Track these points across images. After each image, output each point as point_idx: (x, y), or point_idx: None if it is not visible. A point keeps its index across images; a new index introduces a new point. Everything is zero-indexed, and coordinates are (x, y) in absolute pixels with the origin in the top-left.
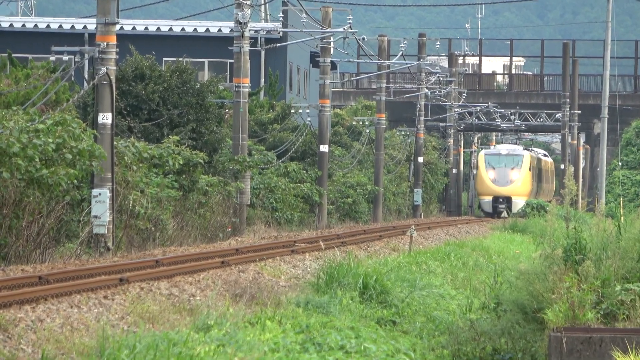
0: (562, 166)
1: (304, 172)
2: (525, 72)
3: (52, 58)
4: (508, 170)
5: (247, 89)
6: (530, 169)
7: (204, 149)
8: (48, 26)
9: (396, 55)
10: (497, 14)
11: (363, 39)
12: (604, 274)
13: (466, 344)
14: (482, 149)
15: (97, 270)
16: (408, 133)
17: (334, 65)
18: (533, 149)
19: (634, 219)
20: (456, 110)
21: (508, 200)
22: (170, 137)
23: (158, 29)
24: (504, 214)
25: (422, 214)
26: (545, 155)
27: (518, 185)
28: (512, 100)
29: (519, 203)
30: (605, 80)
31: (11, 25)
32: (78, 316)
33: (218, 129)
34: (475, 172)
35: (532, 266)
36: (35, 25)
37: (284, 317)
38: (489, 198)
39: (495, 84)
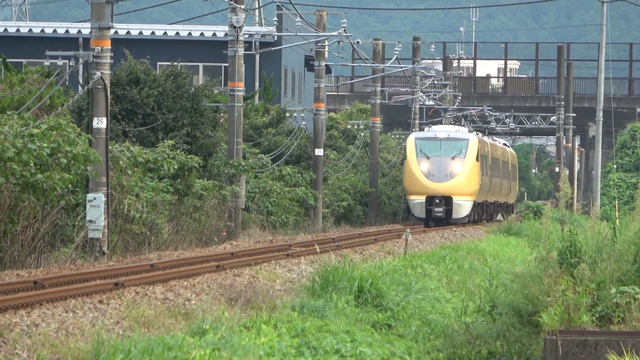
0: (557, 169)
1: (299, 175)
2: (520, 75)
3: (47, 62)
4: (447, 160)
5: (241, 93)
6: (478, 159)
7: (199, 153)
8: (42, 31)
9: (391, 59)
10: (491, 17)
11: (358, 42)
12: (599, 276)
13: (461, 348)
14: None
15: (92, 275)
16: (403, 136)
17: (328, 69)
18: (495, 138)
19: (629, 222)
20: (451, 113)
21: (447, 201)
22: (165, 141)
23: (152, 33)
24: (446, 219)
25: None
26: (505, 145)
27: (461, 181)
28: (507, 104)
29: (462, 206)
30: (600, 83)
31: (5, 30)
32: (73, 321)
33: (213, 133)
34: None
35: (528, 269)
36: (30, 30)
37: (280, 321)
38: (421, 198)
39: (490, 87)
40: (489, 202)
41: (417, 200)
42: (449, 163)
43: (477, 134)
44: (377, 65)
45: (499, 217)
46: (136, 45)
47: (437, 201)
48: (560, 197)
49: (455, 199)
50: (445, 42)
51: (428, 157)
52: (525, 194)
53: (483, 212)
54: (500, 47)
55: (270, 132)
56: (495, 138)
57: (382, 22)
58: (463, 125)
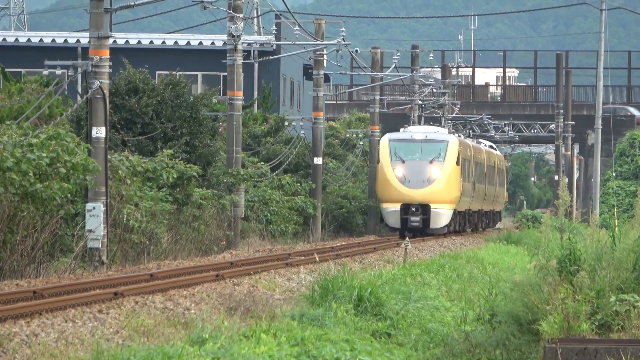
0: (556, 177)
1: (298, 184)
2: (518, 84)
3: (45, 72)
4: (424, 164)
5: (240, 102)
6: (459, 162)
7: (198, 162)
8: (41, 40)
9: (389, 67)
10: (490, 25)
11: (356, 51)
12: (599, 284)
13: (461, 356)
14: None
15: (92, 285)
16: None
17: (327, 78)
18: (481, 140)
19: (628, 230)
20: (450, 121)
21: (424, 209)
22: (164, 150)
23: (151, 42)
24: (423, 229)
25: None
26: (492, 148)
27: (440, 187)
28: (506, 112)
29: (441, 214)
30: (599, 91)
31: (4, 39)
32: (73, 330)
33: (212, 142)
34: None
35: (527, 277)
36: (28, 40)
37: (279, 330)
38: (395, 206)
39: (488, 95)
40: (472, 210)
41: (391, 208)
42: (427, 167)
43: (459, 136)
44: (375, 73)
45: (499, 225)
46: (135, 55)
47: (413, 209)
48: (560, 205)
49: (433, 207)
50: (444, 50)
51: (403, 161)
52: (525, 202)
53: (465, 222)
54: (499, 55)
55: (269, 141)
56: (481, 140)
57: (380, 31)
58: (443, 126)
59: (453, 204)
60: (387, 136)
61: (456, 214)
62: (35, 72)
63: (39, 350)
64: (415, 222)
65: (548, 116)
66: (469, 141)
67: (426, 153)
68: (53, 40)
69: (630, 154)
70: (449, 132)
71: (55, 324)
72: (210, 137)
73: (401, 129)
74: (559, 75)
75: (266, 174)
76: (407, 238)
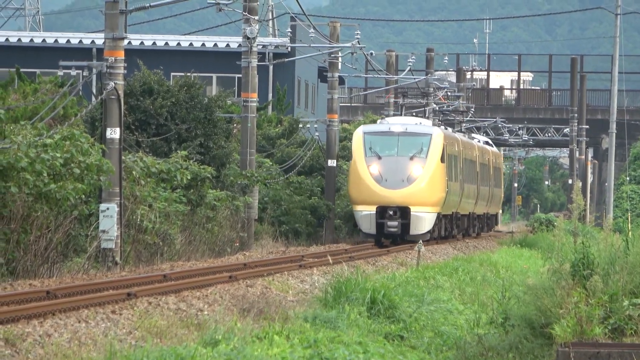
0: (570, 181)
1: (314, 185)
2: (533, 87)
3: (60, 73)
4: (404, 161)
5: (255, 104)
6: (444, 159)
7: (212, 163)
8: (56, 41)
9: (404, 70)
10: (505, 29)
11: (371, 54)
12: (612, 289)
13: (474, 359)
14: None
15: (105, 285)
16: None
17: (341, 80)
18: (474, 135)
19: None
20: (464, 125)
21: (403, 213)
22: (178, 151)
23: (166, 43)
24: (402, 235)
25: None
26: (487, 144)
27: (421, 187)
28: (520, 115)
29: (422, 218)
30: (613, 96)
31: (19, 40)
32: (86, 331)
33: (226, 143)
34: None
35: (540, 281)
36: (43, 40)
37: (292, 331)
38: (371, 209)
39: (503, 98)
40: (462, 214)
41: (365, 211)
42: (406, 164)
43: (446, 128)
44: (390, 76)
45: (513, 229)
46: (150, 56)
47: (391, 213)
48: (573, 209)
49: (413, 210)
50: (458, 53)
51: (380, 157)
52: (538, 205)
53: (452, 227)
54: (514, 59)
55: (283, 143)
56: (474, 135)
57: (395, 34)
58: (427, 117)
59: (437, 206)
60: (362, 128)
61: (441, 218)
62: (50, 72)
63: (52, 350)
64: (392, 228)
65: (562, 120)
66: (459, 135)
67: (406, 148)
68: (68, 41)
69: None
70: (434, 124)
71: (69, 325)
72: (225, 139)
73: (378, 120)
74: (573, 79)
75: (280, 175)
76: (420, 241)
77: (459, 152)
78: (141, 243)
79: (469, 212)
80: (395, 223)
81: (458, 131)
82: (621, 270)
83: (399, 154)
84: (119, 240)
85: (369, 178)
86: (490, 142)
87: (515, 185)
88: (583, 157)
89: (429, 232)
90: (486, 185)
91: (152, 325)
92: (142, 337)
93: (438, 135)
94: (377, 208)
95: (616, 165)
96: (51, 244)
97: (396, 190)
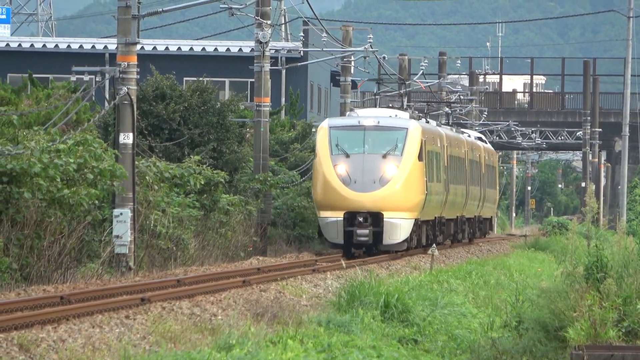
0: (583, 184)
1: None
2: (546, 91)
3: (73, 78)
4: (376, 160)
5: (267, 108)
6: (422, 157)
7: (225, 168)
8: (69, 46)
9: (417, 74)
10: (517, 32)
11: (384, 57)
12: (626, 291)
13: None
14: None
15: (119, 290)
16: None
17: (354, 84)
18: (464, 130)
19: None
20: (477, 128)
21: (375, 219)
22: (191, 156)
23: (179, 48)
24: (375, 245)
25: None
26: (480, 140)
27: (396, 189)
28: (533, 119)
29: (397, 226)
30: (626, 98)
31: (32, 45)
32: (100, 336)
33: (239, 148)
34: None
35: (554, 284)
36: (56, 46)
37: (306, 336)
38: (338, 215)
39: (516, 102)
40: (447, 218)
41: (331, 218)
42: (378, 164)
43: (427, 121)
44: (403, 80)
45: (526, 234)
46: (162, 61)
47: (361, 220)
48: (587, 212)
49: (387, 215)
50: (471, 57)
51: (347, 156)
52: (552, 209)
53: (435, 233)
54: (526, 62)
55: (297, 147)
56: (464, 130)
57: (408, 38)
58: (405, 109)
59: (414, 211)
60: (327, 122)
61: (419, 224)
62: (62, 78)
63: (66, 355)
64: (363, 237)
65: (575, 123)
66: (443, 129)
67: (378, 144)
68: (81, 46)
69: None
70: (411, 117)
71: (83, 330)
72: (238, 143)
73: (347, 113)
74: (586, 82)
75: (294, 180)
76: (434, 245)
77: (442, 148)
78: (155, 248)
79: (457, 217)
80: (365, 231)
81: (444, 124)
82: (635, 273)
83: (370, 151)
84: (132, 246)
85: (335, 179)
86: (483, 137)
87: (529, 188)
88: (596, 160)
89: (405, 240)
90: (477, 186)
91: (166, 330)
92: (156, 342)
93: (415, 129)
94: (344, 214)
95: (629, 168)
96: (65, 250)
97: (366, 194)
